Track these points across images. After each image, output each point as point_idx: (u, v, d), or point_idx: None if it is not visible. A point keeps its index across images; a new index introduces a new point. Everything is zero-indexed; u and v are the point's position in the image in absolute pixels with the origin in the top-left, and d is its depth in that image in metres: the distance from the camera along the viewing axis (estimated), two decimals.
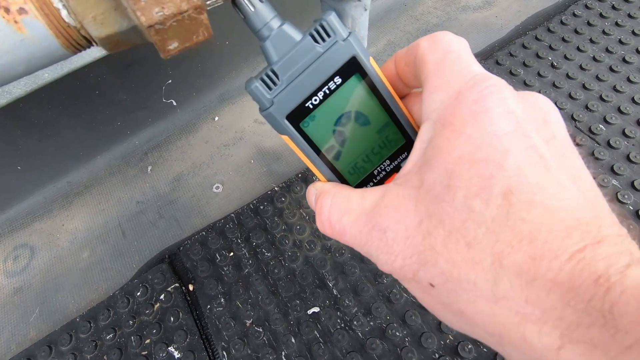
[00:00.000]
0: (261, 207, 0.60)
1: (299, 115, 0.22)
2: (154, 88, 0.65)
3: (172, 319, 0.53)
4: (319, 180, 0.24)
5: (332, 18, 0.21)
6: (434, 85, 0.17)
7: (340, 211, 0.20)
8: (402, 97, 0.23)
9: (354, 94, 0.22)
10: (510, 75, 0.72)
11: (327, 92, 0.21)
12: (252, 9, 0.22)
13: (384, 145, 0.23)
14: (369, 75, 0.22)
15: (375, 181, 0.24)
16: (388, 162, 0.24)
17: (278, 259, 0.56)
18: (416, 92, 0.23)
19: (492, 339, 0.15)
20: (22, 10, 0.20)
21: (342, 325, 0.50)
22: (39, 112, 0.55)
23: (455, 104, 0.16)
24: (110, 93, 0.60)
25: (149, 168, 0.69)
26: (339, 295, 0.52)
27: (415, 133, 0.23)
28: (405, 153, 0.24)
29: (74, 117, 0.60)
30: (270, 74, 0.21)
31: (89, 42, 0.22)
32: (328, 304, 0.52)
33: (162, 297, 0.55)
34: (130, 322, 0.53)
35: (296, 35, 0.22)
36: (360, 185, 0.24)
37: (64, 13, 0.20)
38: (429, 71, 0.18)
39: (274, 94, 0.21)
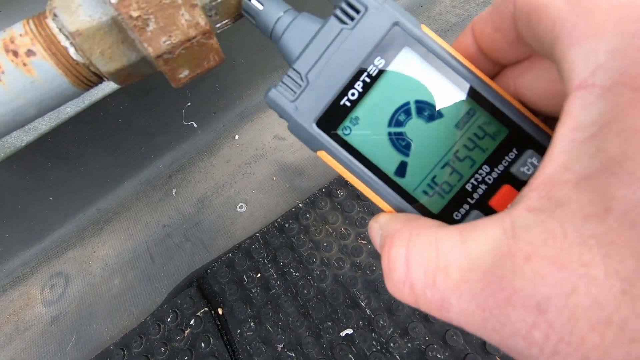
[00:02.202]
0: (286, 225, 0.58)
1: (334, 119, 0.16)
2: (174, 111, 0.65)
3: (202, 345, 0.52)
4: (383, 211, 0.17)
5: None
6: (585, 29, 0.10)
7: (429, 267, 0.12)
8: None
9: (408, 76, 0.16)
10: None
11: (368, 80, 0.16)
12: (261, 7, 0.19)
13: (475, 144, 0.16)
14: (424, 45, 0.15)
15: (472, 203, 0.16)
16: (487, 168, 0.16)
17: (306, 278, 0.54)
18: (515, 66, 0.16)
19: None
20: (30, 52, 0.19)
21: (378, 347, 0.47)
22: (67, 145, 0.57)
23: None
24: (132, 120, 0.61)
25: (174, 191, 0.69)
26: (372, 315, 0.49)
27: (525, 119, 0.15)
28: (515, 150, 0.15)
29: (100, 147, 0.61)
30: (291, 73, 0.16)
31: (99, 78, 0.22)
32: (361, 325, 0.49)
33: (192, 322, 0.54)
34: (162, 349, 0.53)
35: (316, 24, 0.17)
36: (447, 211, 0.16)
37: (71, 51, 0.20)
38: (557, 14, 0.11)
39: (296, 97, 0.16)
